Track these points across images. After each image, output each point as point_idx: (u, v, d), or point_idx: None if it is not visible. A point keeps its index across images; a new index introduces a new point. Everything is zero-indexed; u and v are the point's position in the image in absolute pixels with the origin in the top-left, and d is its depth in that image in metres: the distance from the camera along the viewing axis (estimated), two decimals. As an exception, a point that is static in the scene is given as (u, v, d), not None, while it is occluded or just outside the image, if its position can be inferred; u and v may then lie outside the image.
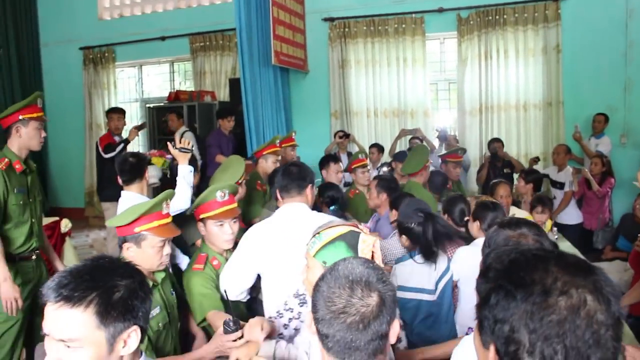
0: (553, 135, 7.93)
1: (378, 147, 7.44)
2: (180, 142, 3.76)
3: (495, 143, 7.21)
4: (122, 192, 3.77)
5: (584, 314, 0.93)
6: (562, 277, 0.97)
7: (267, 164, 4.95)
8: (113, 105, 10.05)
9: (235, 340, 2.23)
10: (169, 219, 2.60)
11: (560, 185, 6.66)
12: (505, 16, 8.00)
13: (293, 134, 5.84)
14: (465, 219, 3.92)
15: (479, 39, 8.15)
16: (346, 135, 7.58)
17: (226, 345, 2.25)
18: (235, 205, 3.09)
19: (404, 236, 3.04)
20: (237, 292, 2.82)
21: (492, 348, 1.02)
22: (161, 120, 8.66)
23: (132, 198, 3.64)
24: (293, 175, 2.88)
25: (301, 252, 2.31)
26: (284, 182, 2.89)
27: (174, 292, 2.76)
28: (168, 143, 3.80)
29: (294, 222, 2.75)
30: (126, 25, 10.15)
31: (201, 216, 2.97)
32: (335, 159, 5.34)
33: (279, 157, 5.14)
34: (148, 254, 2.50)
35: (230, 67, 9.39)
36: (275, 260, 2.70)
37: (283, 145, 5.47)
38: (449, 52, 8.75)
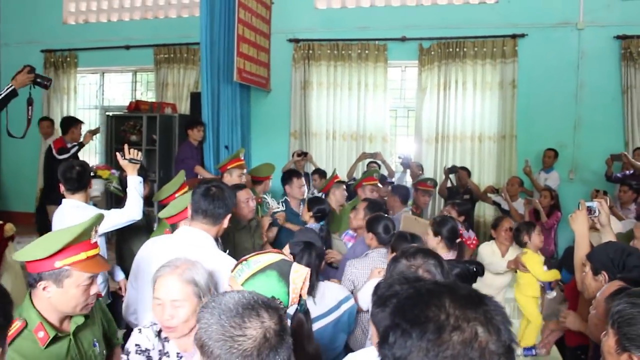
0: (505, 167, 8.15)
1: (320, 173, 7.46)
2: (129, 153, 3.68)
3: (460, 171, 7.38)
4: (65, 200, 3.67)
5: (477, 346, 0.97)
6: (454, 312, 1.00)
7: (232, 178, 4.93)
8: (72, 110, 9.95)
9: None
10: (98, 250, 2.13)
11: (511, 215, 6.84)
12: (465, 49, 8.24)
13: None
14: (457, 240, 3.94)
15: (439, 69, 8.36)
16: (304, 155, 7.64)
17: None
18: None
19: None
20: (127, 309, 2.80)
21: None
22: (120, 129, 8.58)
23: (79, 206, 3.59)
24: (216, 201, 2.70)
25: None
26: (203, 206, 2.69)
27: (97, 344, 2.23)
28: (117, 153, 3.72)
29: (191, 252, 2.53)
30: (91, 32, 10.05)
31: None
32: (298, 173, 5.46)
33: (244, 171, 5.16)
34: (71, 294, 2.01)
35: (193, 81, 9.37)
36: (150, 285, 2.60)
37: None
38: (409, 80, 8.94)
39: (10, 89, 4.71)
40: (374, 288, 1.88)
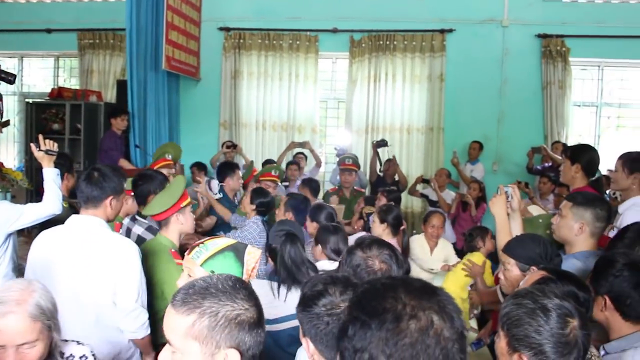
0: (433, 158, 8.36)
1: (198, 166, 7.35)
2: (45, 144, 3.46)
3: (388, 163, 7.47)
4: None
5: (432, 333, 1.01)
6: (410, 302, 1.04)
7: None
8: (-12, 96, 9.42)
9: None
10: None
11: (438, 205, 7.01)
12: (395, 42, 8.36)
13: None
14: (402, 227, 4.02)
15: (369, 61, 8.44)
16: (233, 146, 7.54)
17: None
18: None
19: (270, 259, 2.99)
20: None
21: None
22: (41, 117, 8.21)
23: None
24: (92, 185, 2.69)
25: (84, 271, 2.35)
26: (83, 191, 2.69)
27: None
28: (31, 144, 3.53)
29: (83, 239, 2.62)
30: (7, 12, 9.47)
31: (183, 204, 2.97)
32: (237, 165, 5.51)
33: (173, 170, 5.03)
34: None
35: (119, 68, 9.05)
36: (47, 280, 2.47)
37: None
38: (340, 72, 8.97)
39: None
40: (302, 285, 1.90)
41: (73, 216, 2.73)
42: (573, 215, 2.79)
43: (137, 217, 3.71)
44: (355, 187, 6.38)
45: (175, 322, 1.37)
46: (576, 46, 8.05)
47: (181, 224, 3.00)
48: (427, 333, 1.01)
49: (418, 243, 4.89)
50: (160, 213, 2.94)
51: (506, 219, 3.08)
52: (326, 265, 3.15)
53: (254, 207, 4.29)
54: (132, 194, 3.74)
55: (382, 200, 5.31)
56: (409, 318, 1.02)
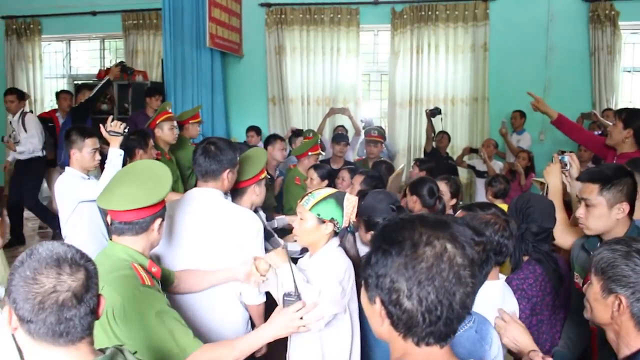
0: (478, 129, 8.30)
1: (256, 130, 7.37)
2: (110, 125, 3.68)
3: (442, 134, 7.43)
4: (67, 169, 3.68)
5: (446, 258, 1.14)
6: (426, 232, 1.17)
7: (164, 132, 4.84)
8: (38, 80, 9.78)
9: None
10: None
11: (487, 175, 6.97)
12: (437, 12, 8.26)
13: (199, 110, 5.74)
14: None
15: (412, 33, 8.37)
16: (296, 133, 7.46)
17: (294, 319, 2.09)
18: None
19: (371, 233, 2.73)
20: None
21: (377, 300, 1.20)
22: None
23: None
24: (210, 159, 2.68)
25: (207, 243, 2.51)
26: (201, 165, 2.70)
27: None
28: (100, 125, 3.71)
29: (205, 210, 2.65)
30: (53, -3, 9.75)
31: (262, 176, 3.05)
32: (279, 137, 5.58)
33: (174, 123, 5.01)
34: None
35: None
36: (175, 250, 2.63)
37: (191, 122, 5.43)
38: (382, 44, 8.93)
39: (105, 80, 6.68)
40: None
41: (193, 189, 2.75)
42: None
43: None
44: (382, 158, 6.18)
45: None
46: (626, 9, 7.81)
47: (256, 195, 3.00)
48: (442, 258, 1.13)
49: None
50: (242, 181, 2.92)
51: (560, 188, 3.06)
52: None
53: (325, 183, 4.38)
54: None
55: (415, 170, 5.09)
56: (424, 245, 1.15)
